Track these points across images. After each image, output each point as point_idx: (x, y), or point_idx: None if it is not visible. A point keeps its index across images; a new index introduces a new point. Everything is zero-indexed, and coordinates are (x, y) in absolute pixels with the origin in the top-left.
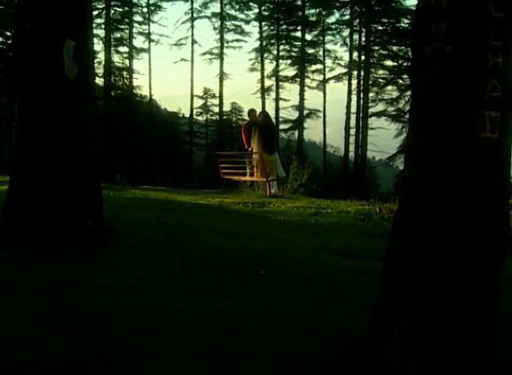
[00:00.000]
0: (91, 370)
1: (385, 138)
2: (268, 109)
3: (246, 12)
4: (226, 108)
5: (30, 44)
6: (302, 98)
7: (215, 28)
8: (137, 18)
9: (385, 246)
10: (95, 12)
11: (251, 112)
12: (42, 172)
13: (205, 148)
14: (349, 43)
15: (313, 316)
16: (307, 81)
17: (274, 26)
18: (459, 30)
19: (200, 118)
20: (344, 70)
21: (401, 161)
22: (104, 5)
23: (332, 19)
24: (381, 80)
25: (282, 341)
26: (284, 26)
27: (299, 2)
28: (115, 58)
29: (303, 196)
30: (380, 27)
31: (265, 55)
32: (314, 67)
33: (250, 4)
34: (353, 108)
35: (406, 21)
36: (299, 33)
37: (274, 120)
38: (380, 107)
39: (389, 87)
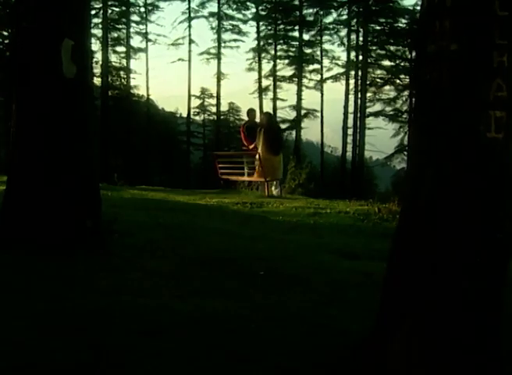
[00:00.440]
0: (91, 373)
1: (382, 138)
2: (266, 109)
3: (243, 11)
4: (224, 108)
5: (27, 43)
6: (299, 98)
7: (212, 28)
8: (135, 18)
9: (386, 246)
10: (92, 12)
11: (250, 111)
12: (40, 172)
13: (202, 148)
14: (346, 43)
15: (314, 318)
16: (305, 81)
17: (271, 26)
18: (464, 29)
19: (197, 118)
20: (342, 70)
21: (398, 161)
22: (101, 5)
23: (329, 19)
24: (378, 80)
25: (283, 343)
26: (281, 26)
27: (296, 2)
28: (113, 57)
29: (301, 196)
30: (378, 27)
31: (263, 54)
32: (311, 67)
33: (248, 3)
34: (351, 108)
35: (403, 21)
36: (296, 33)
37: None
38: (377, 107)
39: (387, 87)
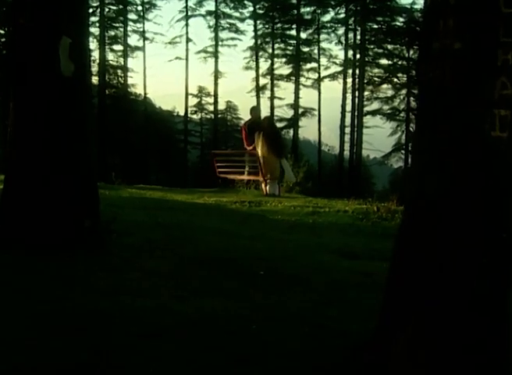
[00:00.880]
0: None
1: (379, 137)
2: (263, 108)
3: (240, 10)
4: (221, 106)
5: (24, 41)
6: (297, 97)
7: (209, 26)
8: (132, 16)
9: (385, 246)
10: (89, 10)
11: (253, 109)
12: (38, 172)
13: (200, 147)
14: (344, 41)
15: (314, 319)
16: (302, 80)
17: (269, 25)
18: (468, 27)
19: (194, 116)
20: (339, 69)
21: (396, 159)
22: (98, 3)
23: (327, 18)
24: (376, 79)
25: (284, 344)
26: (279, 25)
27: (294, 1)
28: (110, 56)
29: (299, 195)
30: (375, 26)
31: (260, 53)
32: (309, 65)
33: (245, 2)
34: (348, 107)
35: (401, 19)
36: (294, 32)
37: None
38: (375, 105)
39: (384, 86)
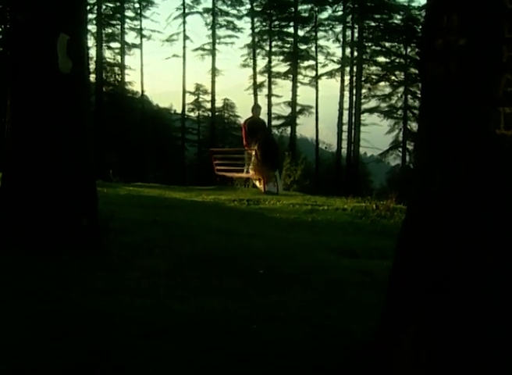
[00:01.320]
0: None
1: (377, 134)
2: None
3: (238, 7)
4: (218, 104)
5: (22, 38)
6: (294, 94)
7: (206, 24)
8: (129, 13)
9: (384, 244)
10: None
11: (255, 108)
12: (36, 170)
13: (197, 145)
14: (341, 39)
15: (315, 318)
16: (300, 77)
17: (266, 22)
18: (472, 23)
19: (192, 114)
20: (337, 66)
21: (393, 157)
22: (95, 1)
23: (324, 15)
24: (373, 77)
25: (285, 344)
26: (276, 22)
27: None
28: (107, 53)
29: (297, 193)
30: (373, 23)
31: (257, 51)
32: (306, 63)
33: None
34: (346, 105)
35: (398, 17)
36: (291, 29)
37: (266, 116)
38: (372, 103)
39: (382, 84)
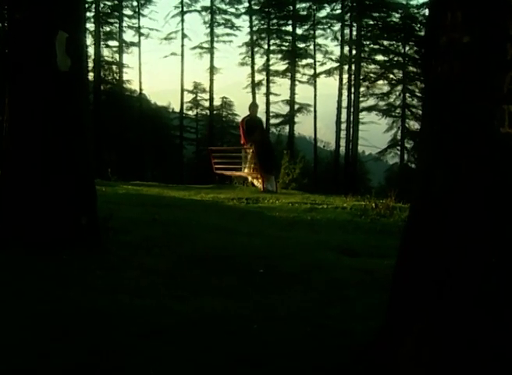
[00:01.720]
0: None
1: (375, 133)
2: (259, 104)
3: (236, 5)
4: (217, 102)
5: (20, 36)
6: (293, 93)
7: (205, 22)
8: (127, 11)
9: (384, 243)
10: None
11: (252, 106)
12: (35, 169)
13: (195, 143)
14: (340, 37)
15: (316, 318)
16: (298, 76)
17: (264, 20)
18: (476, 20)
19: (190, 112)
20: (335, 65)
21: (391, 156)
22: None
23: (323, 14)
24: (372, 75)
25: (286, 344)
26: (275, 21)
27: None
28: (105, 52)
29: (296, 191)
30: (371, 22)
31: (256, 49)
32: (304, 61)
33: None
34: (344, 103)
35: (397, 15)
36: (289, 28)
37: (265, 115)
38: (371, 102)
39: (380, 82)
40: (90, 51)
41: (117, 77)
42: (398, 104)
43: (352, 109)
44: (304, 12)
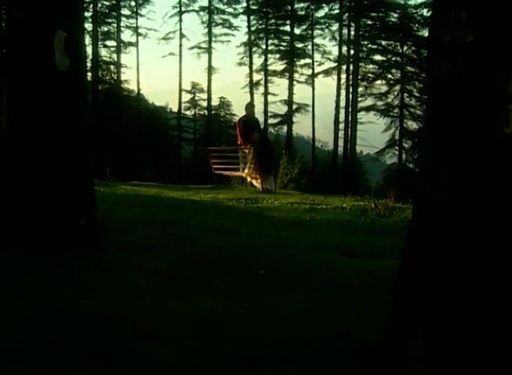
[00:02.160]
0: None
1: (373, 133)
2: (257, 104)
3: (234, 5)
4: (215, 102)
5: (18, 35)
6: (291, 93)
7: (203, 22)
8: (125, 11)
9: (385, 243)
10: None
11: (249, 106)
12: (35, 170)
13: (193, 143)
14: (338, 37)
15: (317, 319)
16: (296, 76)
17: (262, 20)
18: (481, 19)
19: (188, 112)
20: (333, 65)
21: (389, 155)
22: None
23: (321, 14)
24: (370, 75)
25: (287, 346)
26: (273, 20)
27: None
28: (103, 52)
29: (294, 191)
30: (369, 22)
31: (254, 49)
32: (302, 61)
33: None
34: (342, 103)
35: (395, 15)
36: (287, 28)
37: (263, 115)
38: (369, 101)
39: (378, 82)
40: (88, 51)
41: (115, 77)
42: (396, 104)
43: (350, 109)
44: (302, 12)
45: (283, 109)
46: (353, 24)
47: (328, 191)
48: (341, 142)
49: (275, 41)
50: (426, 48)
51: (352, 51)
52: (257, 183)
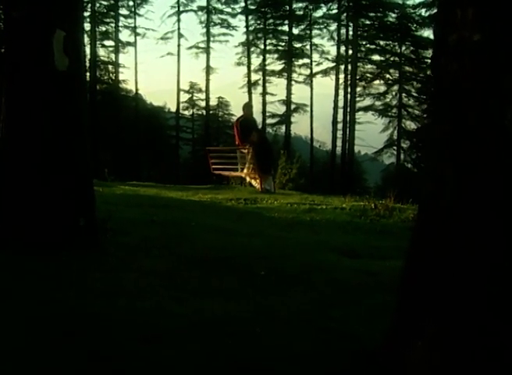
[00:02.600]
0: None
1: (371, 133)
2: (255, 104)
3: (232, 5)
4: (213, 102)
5: (17, 34)
6: (289, 93)
7: (201, 22)
8: (123, 11)
9: (385, 244)
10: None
11: (246, 106)
12: (34, 170)
13: (191, 143)
14: (336, 37)
15: (319, 321)
16: (294, 76)
17: (261, 20)
18: (487, 18)
19: (186, 112)
20: (331, 65)
21: (388, 155)
22: None
23: (319, 13)
24: (368, 75)
25: (289, 348)
26: (271, 20)
27: None
28: (101, 52)
29: (293, 191)
30: (367, 22)
31: (252, 49)
32: (301, 61)
33: None
34: (341, 103)
35: (393, 15)
36: (286, 28)
37: (261, 115)
38: (367, 101)
39: (377, 82)
40: (86, 50)
41: (113, 77)
42: (394, 104)
43: (348, 109)
44: (301, 12)
45: (281, 109)
46: (351, 24)
47: (327, 191)
48: (339, 142)
49: (274, 41)
50: (424, 48)
51: (350, 51)
52: (256, 184)
